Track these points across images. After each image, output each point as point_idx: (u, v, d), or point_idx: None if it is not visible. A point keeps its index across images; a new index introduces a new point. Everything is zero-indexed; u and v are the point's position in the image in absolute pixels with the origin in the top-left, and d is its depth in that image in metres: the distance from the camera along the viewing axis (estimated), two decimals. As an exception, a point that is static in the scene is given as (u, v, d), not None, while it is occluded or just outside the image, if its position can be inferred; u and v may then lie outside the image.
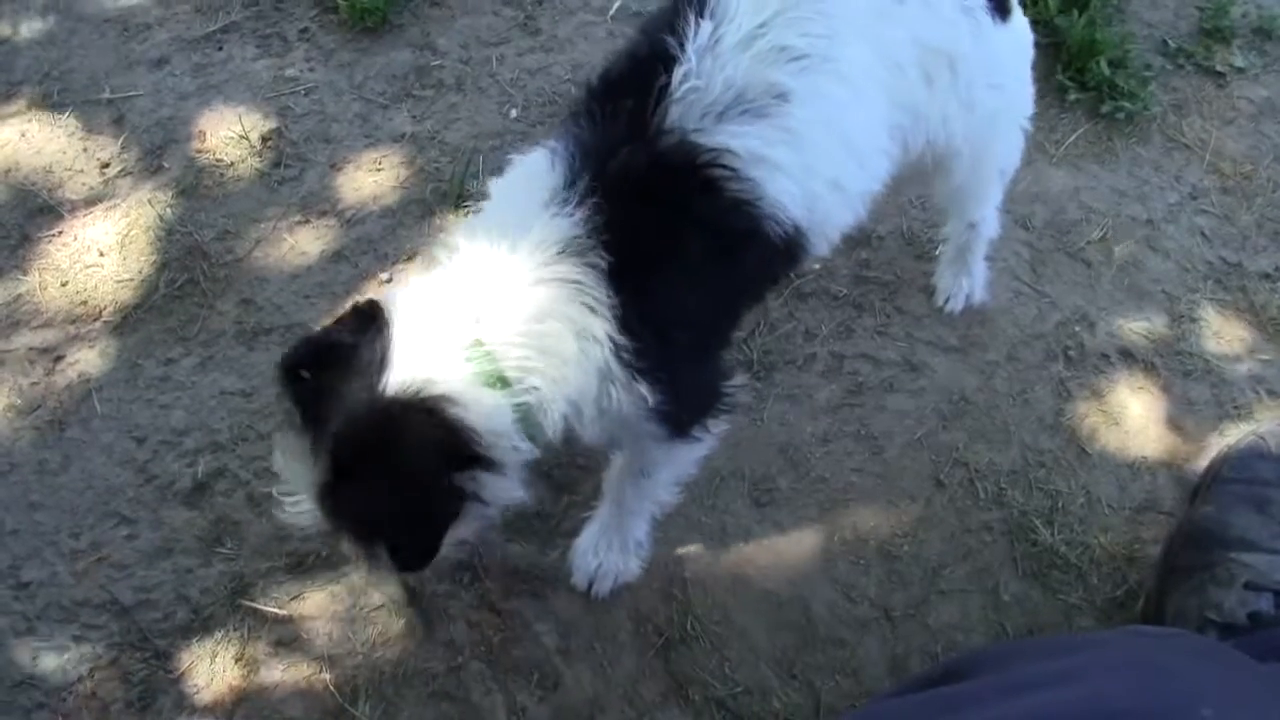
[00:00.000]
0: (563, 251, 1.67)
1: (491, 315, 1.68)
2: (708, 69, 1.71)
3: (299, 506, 1.74)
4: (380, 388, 1.63)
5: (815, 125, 1.75)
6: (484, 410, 1.66)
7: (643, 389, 1.72)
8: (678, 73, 1.70)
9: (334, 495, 1.68)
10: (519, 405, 1.70)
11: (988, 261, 2.51)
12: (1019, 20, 2.08)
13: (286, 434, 1.73)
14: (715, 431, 1.98)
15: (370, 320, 1.71)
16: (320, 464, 1.66)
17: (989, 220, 2.42)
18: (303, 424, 1.70)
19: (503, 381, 1.68)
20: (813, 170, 1.77)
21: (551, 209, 1.69)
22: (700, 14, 1.75)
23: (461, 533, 1.85)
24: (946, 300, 2.51)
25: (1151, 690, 1.36)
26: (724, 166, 1.69)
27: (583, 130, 1.75)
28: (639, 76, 1.75)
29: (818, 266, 2.53)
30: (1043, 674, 1.46)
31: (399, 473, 1.65)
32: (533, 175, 1.75)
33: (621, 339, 1.68)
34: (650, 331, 1.71)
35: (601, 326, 1.67)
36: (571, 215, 1.67)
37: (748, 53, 1.72)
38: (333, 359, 1.71)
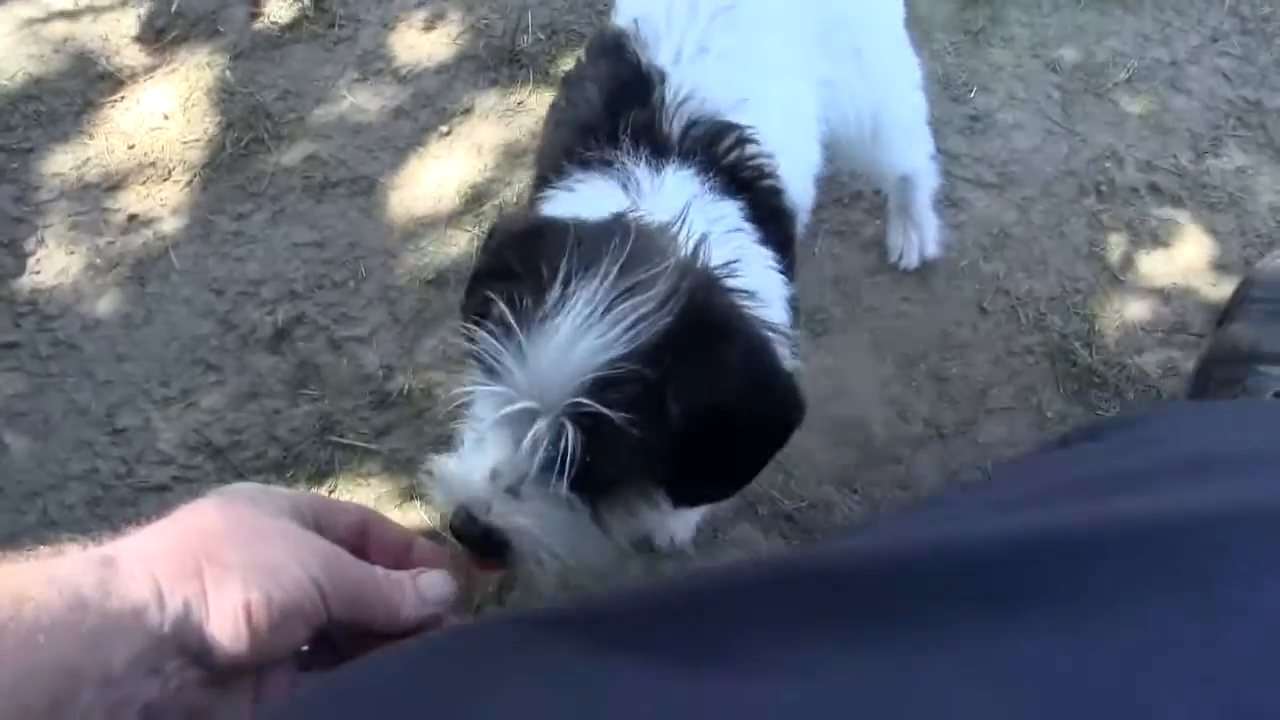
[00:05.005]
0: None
1: None
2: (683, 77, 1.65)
3: None
4: None
5: (776, 118, 1.69)
6: None
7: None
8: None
9: None
10: None
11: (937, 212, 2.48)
12: None
13: None
14: None
15: None
16: None
17: (923, 171, 2.34)
18: None
19: None
20: (791, 155, 1.73)
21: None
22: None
23: None
24: (900, 257, 2.46)
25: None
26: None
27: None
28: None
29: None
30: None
31: None
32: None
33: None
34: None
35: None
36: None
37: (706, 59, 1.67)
38: None
